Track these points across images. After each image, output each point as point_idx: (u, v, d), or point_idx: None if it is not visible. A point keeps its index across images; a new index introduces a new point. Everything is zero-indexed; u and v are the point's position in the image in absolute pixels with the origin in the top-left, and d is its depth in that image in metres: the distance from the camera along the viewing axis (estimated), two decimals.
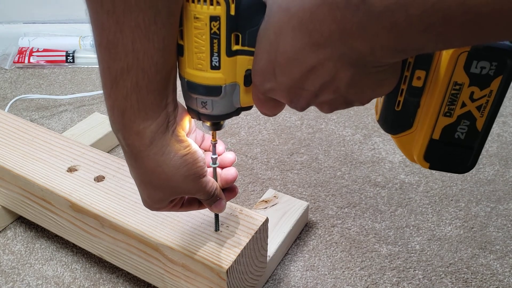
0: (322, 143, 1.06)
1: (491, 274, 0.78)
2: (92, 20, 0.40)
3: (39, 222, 0.82)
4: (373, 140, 1.07)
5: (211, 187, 0.53)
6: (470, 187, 0.94)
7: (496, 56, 0.40)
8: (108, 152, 0.98)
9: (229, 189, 0.59)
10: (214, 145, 0.55)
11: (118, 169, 0.76)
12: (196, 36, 0.42)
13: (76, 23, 1.46)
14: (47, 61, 1.37)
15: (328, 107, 0.44)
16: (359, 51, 0.36)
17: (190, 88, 0.45)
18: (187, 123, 0.50)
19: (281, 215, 0.82)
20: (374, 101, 0.49)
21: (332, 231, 0.85)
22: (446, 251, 0.81)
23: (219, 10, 0.40)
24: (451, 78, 0.42)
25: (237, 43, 0.43)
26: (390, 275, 0.78)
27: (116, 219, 0.68)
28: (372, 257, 0.81)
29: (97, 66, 0.43)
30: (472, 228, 0.85)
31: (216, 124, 0.51)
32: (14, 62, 1.37)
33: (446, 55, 0.41)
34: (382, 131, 0.47)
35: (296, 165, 1.00)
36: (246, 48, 0.43)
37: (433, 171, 0.97)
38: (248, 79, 0.45)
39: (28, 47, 1.39)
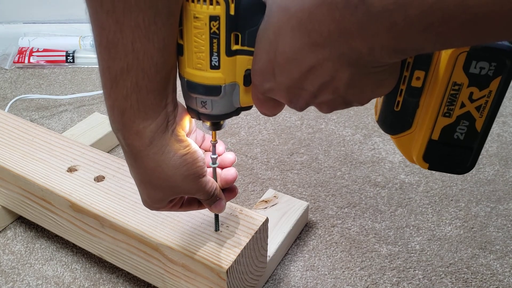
0: (322, 143, 1.06)
1: (491, 274, 0.78)
2: (92, 19, 0.40)
3: (39, 222, 0.82)
4: (373, 140, 1.07)
5: (210, 187, 0.53)
6: (470, 187, 0.94)
7: (495, 56, 0.40)
8: (108, 152, 0.98)
9: (229, 190, 0.59)
10: (214, 145, 0.55)
11: (118, 169, 0.76)
12: (195, 36, 0.42)
13: (76, 23, 1.46)
14: (47, 61, 1.37)
15: (327, 107, 0.44)
16: (358, 51, 0.37)
17: (190, 87, 0.45)
18: (187, 123, 0.50)
19: (281, 215, 0.82)
20: (373, 101, 0.49)
21: (332, 231, 0.85)
22: (446, 251, 0.81)
23: (218, 10, 0.41)
24: (450, 79, 0.42)
25: (236, 43, 0.43)
26: (390, 275, 0.78)
27: (116, 219, 0.68)
28: (372, 257, 0.81)
29: (97, 66, 0.43)
30: (472, 228, 0.85)
31: (215, 124, 0.51)
32: (14, 62, 1.37)
33: (445, 56, 0.41)
34: (382, 131, 0.47)
35: (296, 165, 1.00)
36: (245, 48, 0.43)
37: (433, 171, 0.97)
38: (247, 79, 0.45)
39: (28, 47, 1.39)
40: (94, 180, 0.75)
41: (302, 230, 0.85)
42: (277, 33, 0.39)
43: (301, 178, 0.96)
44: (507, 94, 0.43)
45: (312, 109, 1.15)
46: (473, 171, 0.97)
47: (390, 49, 0.36)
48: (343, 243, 0.83)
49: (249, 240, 0.65)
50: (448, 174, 0.96)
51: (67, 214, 0.74)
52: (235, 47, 0.43)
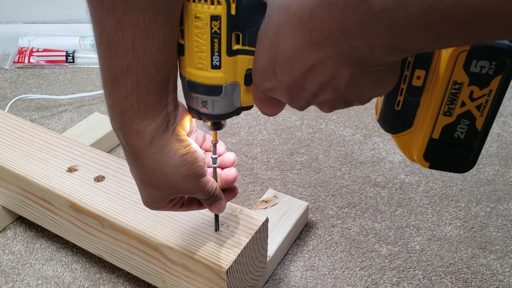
0: (322, 143, 1.06)
1: (491, 274, 0.78)
2: (93, 18, 0.40)
3: (39, 222, 0.82)
4: (373, 140, 1.07)
5: (211, 187, 0.53)
6: (470, 187, 0.94)
7: (496, 55, 0.40)
8: (108, 152, 0.98)
9: (229, 190, 0.59)
10: (214, 145, 0.55)
11: (118, 169, 0.76)
12: (196, 36, 0.42)
13: (76, 23, 1.46)
14: (47, 61, 1.37)
15: (328, 106, 0.44)
16: (359, 50, 0.37)
17: (191, 87, 0.45)
18: (188, 122, 0.50)
19: (281, 215, 0.82)
20: (374, 101, 0.49)
21: (332, 231, 0.85)
22: (446, 251, 0.81)
23: (219, 10, 0.41)
24: (451, 77, 0.42)
25: (237, 43, 0.43)
26: (390, 275, 0.78)
27: (116, 219, 0.68)
28: (372, 257, 0.81)
29: (97, 66, 0.43)
30: (472, 228, 0.85)
31: (216, 123, 0.51)
32: (14, 62, 1.37)
33: (445, 55, 0.41)
34: (382, 131, 0.47)
35: (296, 165, 1.00)
36: (246, 47, 0.43)
37: (433, 171, 0.97)
38: (248, 78, 0.45)
39: (28, 47, 1.39)
40: (94, 180, 0.75)
41: (302, 230, 0.85)
42: (277, 32, 0.39)
43: (301, 178, 0.96)
44: (507, 94, 0.43)
45: (312, 109, 1.15)
46: (473, 171, 0.97)
47: (390, 48, 0.36)
48: (343, 243, 0.83)
49: (249, 240, 0.65)
50: (448, 174, 0.96)
51: (67, 214, 0.74)
52: (236, 47, 0.43)
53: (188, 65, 0.44)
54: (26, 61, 1.36)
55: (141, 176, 0.50)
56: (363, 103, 0.43)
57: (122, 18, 0.39)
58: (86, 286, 0.77)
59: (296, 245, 0.83)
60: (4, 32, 1.46)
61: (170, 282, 0.69)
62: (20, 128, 0.85)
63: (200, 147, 0.55)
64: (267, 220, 0.68)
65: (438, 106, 0.44)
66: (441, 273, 0.78)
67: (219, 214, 0.65)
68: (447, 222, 0.87)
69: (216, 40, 0.42)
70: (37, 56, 1.37)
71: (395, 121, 0.47)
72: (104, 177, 0.75)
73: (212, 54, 0.43)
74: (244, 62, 0.44)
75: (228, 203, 0.65)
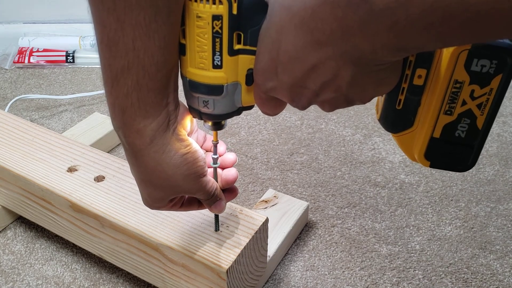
0: (322, 143, 1.06)
1: (491, 274, 0.78)
2: (94, 17, 0.41)
3: (39, 222, 0.81)
4: (373, 140, 1.07)
5: (211, 187, 0.53)
6: (470, 187, 0.94)
7: (496, 54, 0.41)
8: (108, 152, 0.98)
9: (229, 190, 0.59)
10: (215, 145, 0.55)
11: (118, 169, 0.76)
12: (198, 35, 0.42)
13: (76, 23, 1.46)
14: (47, 61, 1.37)
15: (330, 106, 0.44)
16: (361, 50, 0.37)
17: (192, 87, 0.45)
18: (189, 122, 0.50)
19: (281, 215, 0.82)
20: (374, 100, 0.49)
21: (332, 231, 0.85)
22: (446, 251, 0.81)
23: (221, 9, 0.41)
24: (452, 76, 0.42)
25: (239, 42, 0.43)
26: (390, 275, 0.78)
27: (116, 219, 0.68)
28: (372, 257, 0.81)
29: (97, 66, 0.43)
30: (472, 228, 0.85)
31: (217, 123, 0.51)
32: (14, 62, 1.37)
33: (446, 54, 0.42)
34: (382, 131, 0.47)
35: (296, 165, 1.00)
36: (248, 47, 0.43)
37: (433, 171, 0.97)
38: (249, 78, 0.45)
39: (28, 47, 1.39)
40: (94, 180, 0.75)
41: (302, 230, 0.85)
42: (279, 32, 0.39)
43: (301, 178, 0.96)
44: (507, 94, 0.43)
45: (312, 109, 1.15)
46: (473, 171, 0.97)
47: (392, 47, 0.36)
48: (343, 243, 0.83)
49: (249, 240, 0.65)
50: (448, 174, 0.96)
51: (67, 214, 0.74)
52: (237, 47, 0.43)
53: (189, 65, 0.44)
54: (26, 61, 1.36)
55: (141, 175, 0.50)
56: (364, 103, 0.43)
57: (122, 17, 0.39)
58: (86, 286, 0.76)
59: (296, 245, 0.83)
60: (4, 32, 1.46)
61: (170, 282, 0.69)
62: (20, 128, 0.85)
63: (201, 147, 0.55)
64: (267, 220, 0.68)
65: (439, 105, 0.44)
66: (441, 273, 0.78)
67: (219, 214, 0.65)
68: (447, 222, 0.87)
69: (217, 40, 0.42)
70: (37, 56, 1.37)
71: (396, 120, 0.47)
72: (104, 177, 0.75)
73: (214, 54, 0.43)
74: (245, 61, 0.44)
75: (228, 203, 0.65)
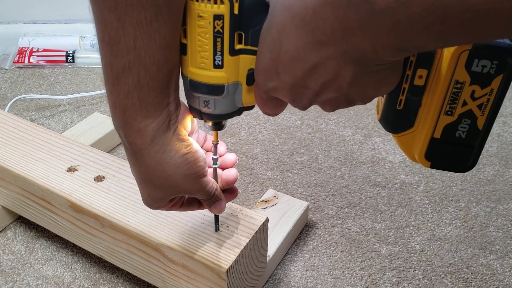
0: (322, 143, 1.06)
1: (491, 274, 0.78)
2: (95, 16, 0.41)
3: (39, 222, 0.81)
4: (373, 140, 1.07)
5: (211, 187, 0.53)
6: (470, 187, 0.94)
7: (497, 55, 0.41)
8: (108, 152, 0.98)
9: (229, 190, 0.59)
10: (215, 146, 0.55)
11: (118, 169, 0.76)
12: (199, 35, 0.42)
13: (76, 23, 1.46)
14: (47, 61, 1.37)
15: (330, 106, 0.44)
16: (361, 49, 0.37)
17: (193, 87, 0.45)
18: (189, 122, 0.50)
19: (281, 215, 0.82)
20: (374, 101, 0.49)
21: (332, 231, 0.85)
22: (446, 251, 0.81)
23: (223, 9, 0.41)
24: (453, 77, 0.42)
25: (240, 42, 0.43)
26: (390, 275, 0.78)
27: (116, 219, 0.68)
28: (372, 257, 0.81)
29: (97, 66, 0.43)
30: (472, 228, 0.85)
31: (217, 124, 0.51)
32: (14, 62, 1.37)
33: (447, 54, 0.42)
34: (382, 131, 0.47)
35: (296, 165, 1.00)
36: (249, 47, 0.43)
37: (433, 171, 0.97)
38: (250, 78, 0.45)
39: (28, 47, 1.39)
40: (94, 180, 0.75)
41: (302, 230, 0.85)
42: (280, 31, 0.39)
43: (301, 178, 0.96)
44: (507, 94, 0.43)
45: (312, 109, 1.15)
46: (473, 171, 0.97)
47: (393, 47, 0.36)
48: (343, 243, 0.83)
49: (249, 240, 0.65)
50: (448, 174, 0.96)
51: (67, 214, 0.74)
52: (238, 47, 0.43)
53: (190, 65, 0.44)
54: (26, 61, 1.36)
55: (141, 175, 0.50)
56: (365, 103, 0.43)
57: (123, 16, 0.39)
58: (86, 286, 0.76)
59: (296, 245, 0.83)
60: (4, 32, 1.46)
61: (170, 282, 0.69)
62: (20, 128, 0.85)
63: (201, 148, 0.55)
64: (267, 220, 0.68)
65: (439, 106, 0.44)
66: (441, 273, 0.78)
67: (219, 214, 0.65)
68: (447, 222, 0.87)
69: (219, 40, 0.42)
70: (37, 56, 1.37)
71: (396, 120, 0.47)
72: (104, 177, 0.75)
73: (215, 54, 0.43)
74: (246, 61, 0.44)
75: (228, 203, 0.65)
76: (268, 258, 0.74)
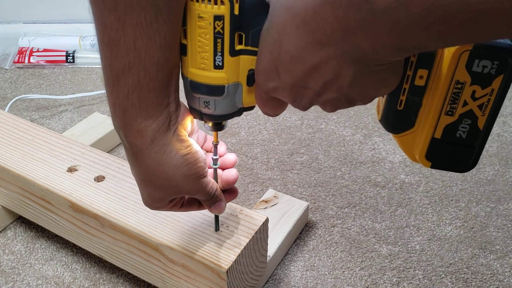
0: (322, 143, 1.06)
1: (491, 274, 0.78)
2: (95, 17, 0.41)
3: (39, 222, 0.81)
4: (373, 140, 1.07)
5: (211, 187, 0.53)
6: (470, 187, 0.94)
7: (498, 55, 0.41)
8: (108, 152, 0.98)
9: (229, 191, 0.59)
10: (215, 146, 0.55)
11: (118, 169, 0.76)
12: (199, 36, 0.42)
13: (76, 23, 1.46)
14: (47, 61, 1.37)
15: (331, 106, 0.44)
16: (362, 49, 0.37)
17: (193, 87, 0.45)
18: (189, 123, 0.50)
19: (281, 215, 0.82)
20: (375, 101, 0.49)
21: (332, 231, 0.85)
22: (446, 251, 0.81)
23: (223, 10, 0.41)
24: (453, 77, 0.42)
25: (240, 43, 0.43)
26: (390, 275, 0.78)
27: (116, 219, 0.68)
28: (372, 257, 0.81)
29: (97, 66, 0.43)
30: (472, 228, 0.85)
31: (217, 124, 0.51)
32: (14, 62, 1.37)
33: (448, 54, 0.42)
34: (383, 131, 0.47)
35: (296, 165, 1.00)
36: (249, 47, 0.43)
37: (433, 171, 0.97)
38: (251, 78, 0.45)
39: (28, 47, 1.39)
40: (94, 180, 0.75)
41: (302, 230, 0.85)
42: (281, 32, 0.39)
43: (301, 178, 0.96)
44: (507, 94, 0.43)
45: (312, 109, 1.15)
46: (473, 171, 0.97)
47: (393, 47, 0.36)
48: (343, 243, 0.83)
49: (249, 240, 0.65)
50: (448, 174, 0.96)
51: (67, 214, 0.74)
52: (238, 47, 0.43)
53: (190, 65, 0.44)
54: (26, 61, 1.36)
55: (141, 176, 0.50)
56: (365, 103, 0.43)
57: (123, 16, 0.39)
58: (86, 286, 0.76)
59: (296, 245, 0.83)
60: (4, 32, 1.46)
61: (170, 282, 0.69)
62: (20, 128, 0.85)
63: (201, 148, 0.55)
64: (267, 220, 0.68)
65: (440, 106, 0.44)
66: (441, 273, 0.78)
67: (219, 215, 0.65)
68: (447, 222, 0.87)
69: (219, 40, 0.42)
70: (37, 56, 1.37)
71: (397, 121, 0.47)
72: (104, 177, 0.75)
73: (215, 54, 0.43)
74: (246, 62, 0.44)
75: (228, 203, 0.65)
76: (268, 258, 0.74)
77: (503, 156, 1.01)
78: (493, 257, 0.80)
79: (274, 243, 0.77)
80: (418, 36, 0.34)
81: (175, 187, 0.50)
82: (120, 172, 0.76)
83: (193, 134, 0.53)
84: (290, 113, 1.16)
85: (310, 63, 0.39)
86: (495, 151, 1.03)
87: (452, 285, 0.76)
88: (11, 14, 1.47)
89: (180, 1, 0.41)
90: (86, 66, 1.36)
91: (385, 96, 0.46)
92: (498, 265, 0.79)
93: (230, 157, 0.58)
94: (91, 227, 0.72)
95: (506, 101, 1.18)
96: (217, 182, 0.57)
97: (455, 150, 0.46)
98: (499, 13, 0.31)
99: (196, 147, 0.49)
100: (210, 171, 0.55)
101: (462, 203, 0.90)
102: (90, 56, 1.36)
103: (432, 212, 0.89)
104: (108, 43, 0.41)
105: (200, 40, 0.42)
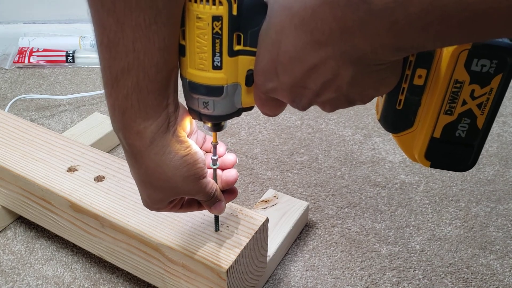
0: (322, 143, 1.06)
1: (491, 274, 0.78)
2: (93, 19, 0.40)
3: (39, 222, 0.81)
4: (373, 140, 1.07)
5: (211, 188, 0.53)
6: (470, 187, 0.94)
7: (496, 54, 0.41)
8: (108, 152, 0.98)
9: (229, 191, 0.59)
10: (214, 147, 0.55)
11: (118, 169, 0.76)
12: (198, 36, 0.42)
13: (76, 23, 1.46)
14: (47, 61, 1.37)
15: (330, 106, 0.44)
16: (360, 49, 0.37)
17: (192, 88, 0.45)
18: (188, 123, 0.50)
19: (281, 215, 0.82)
20: (374, 100, 0.49)
21: (332, 231, 0.85)
22: (446, 251, 0.81)
23: (221, 10, 0.41)
24: (452, 76, 0.42)
25: (239, 43, 0.43)
26: (390, 275, 0.78)
27: (116, 219, 0.68)
28: (372, 257, 0.81)
29: (97, 66, 0.43)
30: (472, 228, 0.85)
31: (217, 125, 0.51)
32: (14, 62, 1.37)
33: (447, 54, 0.42)
34: (382, 131, 0.47)
35: (296, 165, 1.00)
36: (247, 48, 0.43)
37: (433, 171, 0.97)
38: (249, 79, 0.45)
39: (28, 47, 1.39)
40: (94, 180, 0.75)
41: (302, 230, 0.85)
42: (279, 32, 0.39)
43: (301, 178, 0.96)
44: (507, 94, 0.43)
45: (312, 109, 1.15)
46: (473, 171, 0.97)
47: (391, 47, 0.36)
48: (343, 243, 0.83)
49: (249, 240, 0.65)
50: (448, 174, 0.96)
51: (67, 214, 0.74)
52: (237, 48, 0.43)
53: (189, 66, 0.44)
54: (26, 61, 1.36)
55: (141, 177, 0.50)
56: (364, 103, 0.43)
57: (122, 18, 0.39)
58: (86, 286, 0.76)
59: (296, 245, 0.83)
60: (4, 32, 1.46)
61: (170, 282, 0.69)
62: (20, 128, 0.85)
63: (201, 148, 0.55)
64: (267, 220, 0.68)
65: (439, 105, 0.44)
66: (441, 273, 0.78)
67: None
68: (447, 222, 0.87)
69: (217, 41, 0.42)
70: (37, 56, 1.37)
71: (396, 120, 0.47)
72: (104, 177, 0.75)
73: (214, 55, 0.43)
74: (245, 62, 0.44)
75: (228, 203, 0.65)
76: (268, 258, 0.74)
77: (503, 156, 1.01)
78: (493, 257, 0.80)
79: (274, 243, 0.77)
80: (416, 36, 0.34)
81: (175, 188, 0.50)
82: (120, 172, 0.76)
83: (192, 134, 0.53)
84: (290, 113, 1.16)
85: (309, 63, 0.39)
86: (495, 151, 1.03)
87: (452, 285, 0.76)
88: (11, 14, 1.47)
89: (179, 2, 0.41)
90: (86, 66, 1.36)
91: (384, 95, 0.46)
92: (498, 265, 0.79)
93: (230, 158, 0.58)
94: (91, 227, 0.72)
95: (505, 101, 1.18)
96: (216, 183, 0.56)
97: (454, 150, 0.46)
98: (497, 12, 0.31)
99: (195, 148, 0.49)
100: (209, 172, 0.55)
101: (462, 203, 0.90)
102: (90, 56, 1.36)
103: (432, 212, 0.89)
104: (107, 44, 0.41)
105: (199, 40, 0.42)
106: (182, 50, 0.44)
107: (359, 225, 0.86)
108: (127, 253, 0.71)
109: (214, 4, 0.40)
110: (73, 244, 0.82)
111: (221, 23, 0.41)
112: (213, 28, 0.41)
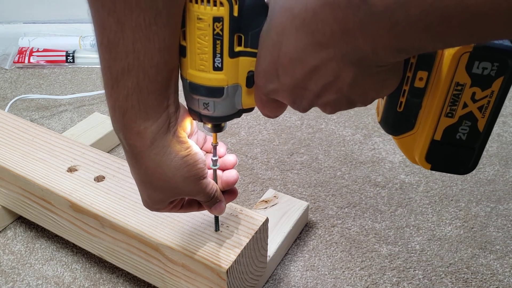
0: (322, 143, 1.06)
1: (491, 274, 0.78)
2: (94, 19, 0.40)
3: (39, 222, 0.81)
4: (373, 140, 1.07)
5: (211, 189, 0.53)
6: (470, 187, 0.94)
7: (498, 57, 0.41)
8: (108, 152, 0.98)
9: (229, 191, 0.59)
10: (214, 147, 0.55)
11: (118, 169, 0.76)
12: (199, 37, 0.42)
13: (76, 23, 1.45)
14: (47, 61, 1.37)
15: (331, 107, 0.44)
16: (361, 51, 0.37)
17: (192, 89, 0.45)
18: (189, 124, 0.50)
19: (281, 215, 0.82)
20: (375, 101, 0.49)
21: (332, 231, 0.85)
22: (446, 251, 0.81)
23: (222, 11, 0.40)
24: (453, 79, 0.42)
25: (239, 44, 0.43)
26: (390, 275, 0.78)
27: (116, 219, 0.68)
28: (372, 257, 0.81)
29: (97, 66, 0.43)
30: (472, 228, 0.85)
31: (217, 126, 0.51)
32: (14, 62, 1.37)
33: (448, 56, 0.41)
34: (383, 131, 0.47)
35: (296, 165, 1.00)
36: (248, 49, 0.43)
37: (433, 171, 0.97)
38: (250, 80, 0.45)
39: (28, 47, 1.39)
40: (94, 180, 0.75)
41: (302, 230, 0.85)
42: (280, 33, 0.39)
43: (301, 178, 0.96)
44: (507, 95, 0.43)
45: (312, 109, 1.15)
46: (473, 171, 0.97)
47: (392, 48, 0.36)
48: (343, 243, 0.83)
49: (249, 240, 0.65)
50: (448, 174, 0.96)
51: (67, 214, 0.74)
52: (238, 49, 0.43)
53: (189, 67, 0.44)
54: (26, 61, 1.36)
55: (141, 177, 0.50)
56: (365, 104, 0.43)
57: (122, 18, 0.39)
58: (86, 286, 0.77)
59: (296, 245, 0.83)
60: (4, 32, 1.46)
61: (170, 282, 0.69)
62: (20, 128, 0.85)
63: (201, 149, 0.55)
64: (267, 220, 0.68)
65: (440, 108, 0.44)
66: (441, 273, 0.78)
67: None
68: (447, 222, 0.87)
69: (218, 42, 0.42)
70: (37, 56, 1.37)
71: (397, 122, 0.47)
72: (104, 177, 0.75)
73: (214, 56, 0.43)
74: (246, 64, 0.43)
75: (228, 203, 0.65)
76: (268, 258, 0.74)
77: (503, 156, 1.01)
78: (493, 257, 0.80)
79: (274, 243, 0.77)
80: (417, 37, 0.34)
81: (175, 189, 0.50)
82: (120, 172, 0.76)
83: (192, 135, 0.53)
84: (290, 113, 1.16)
85: (310, 64, 0.39)
86: (495, 151, 1.03)
87: (452, 285, 0.76)
88: (11, 14, 1.47)
89: (179, 3, 0.41)
90: (86, 66, 1.36)
91: (384, 97, 0.46)
92: (498, 265, 0.79)
93: (230, 158, 0.58)
94: (91, 227, 0.72)
95: (506, 101, 1.18)
96: (216, 183, 0.56)
97: (455, 152, 0.46)
98: (497, 13, 0.31)
99: (195, 148, 0.49)
100: (210, 172, 0.55)
101: (462, 203, 0.90)
102: (90, 56, 1.36)
103: (432, 212, 0.89)
104: (107, 45, 0.41)
105: (199, 41, 0.42)
106: (182, 51, 0.44)
107: (359, 225, 0.86)
108: (127, 253, 0.71)
109: (215, 5, 0.40)
110: (73, 244, 0.83)
111: (222, 24, 0.41)
112: (214, 29, 0.41)
